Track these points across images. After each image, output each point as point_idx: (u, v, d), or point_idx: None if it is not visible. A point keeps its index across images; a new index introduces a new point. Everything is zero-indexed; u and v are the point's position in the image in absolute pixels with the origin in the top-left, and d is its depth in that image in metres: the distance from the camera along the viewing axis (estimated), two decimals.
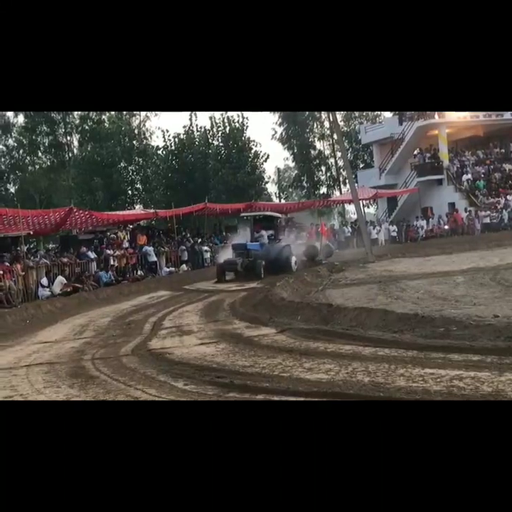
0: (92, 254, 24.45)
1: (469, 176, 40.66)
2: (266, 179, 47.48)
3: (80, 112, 47.68)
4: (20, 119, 47.57)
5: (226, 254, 26.30)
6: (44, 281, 20.60)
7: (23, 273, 20.03)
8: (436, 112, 40.70)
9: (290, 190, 56.30)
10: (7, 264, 19.86)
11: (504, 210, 37.75)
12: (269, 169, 50.93)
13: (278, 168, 55.26)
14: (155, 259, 26.55)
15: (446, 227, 37.87)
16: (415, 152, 42.46)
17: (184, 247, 29.06)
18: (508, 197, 38.88)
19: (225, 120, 43.09)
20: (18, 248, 21.55)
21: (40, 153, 48.76)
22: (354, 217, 39.97)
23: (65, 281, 21.17)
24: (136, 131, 47.25)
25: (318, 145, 53.84)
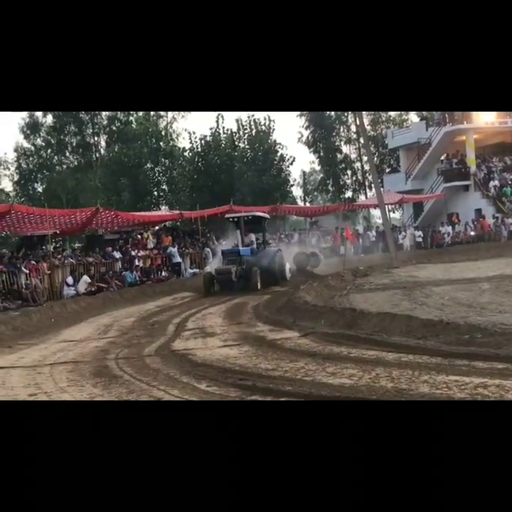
0: (117, 254, 24.57)
1: (496, 182, 40.39)
2: (291, 182, 47.52)
3: (108, 113, 47.99)
4: (49, 119, 47.97)
5: (214, 263, 23.99)
6: (69, 280, 20.74)
7: (49, 272, 20.19)
8: (464, 118, 40.49)
9: (315, 193, 56.31)
10: (33, 262, 20.02)
11: None
12: (295, 172, 51.16)
13: (303, 171, 55.27)
14: (179, 260, 26.61)
15: (472, 233, 37.62)
16: (442, 157, 42.26)
17: (208, 249, 29.04)
18: None
19: (252, 123, 43.14)
20: (45, 247, 21.73)
21: (67, 153, 49.10)
22: (379, 221, 39.87)
23: (90, 281, 21.30)
24: (163, 133, 47.38)
25: (345, 149, 53.81)
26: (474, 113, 40.52)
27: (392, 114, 53.63)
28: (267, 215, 25.70)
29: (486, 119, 40.88)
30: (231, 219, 24.27)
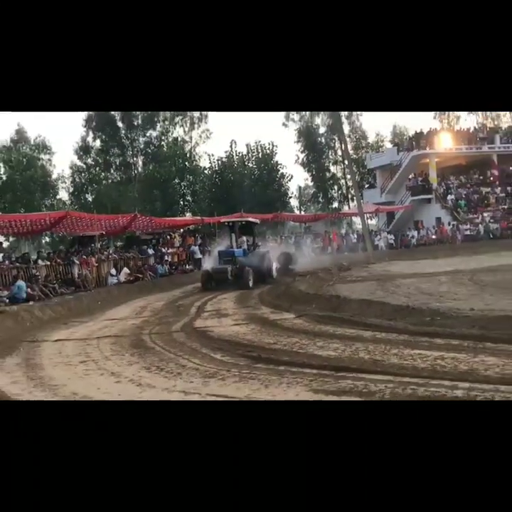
0: (150, 251, 24.60)
1: (453, 196, 40.28)
2: (289, 195, 47.57)
3: (145, 138, 47.94)
4: (97, 142, 47.96)
5: (210, 262, 21.09)
6: (112, 271, 20.76)
7: (97, 264, 20.23)
8: (427, 145, 40.40)
9: (308, 204, 56.02)
10: (84, 257, 20.08)
11: (480, 225, 37.55)
12: (292, 187, 50.98)
13: (299, 186, 54.95)
14: (200, 256, 26.51)
15: (433, 237, 37.54)
16: (410, 176, 42.11)
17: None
18: (484, 214, 38.57)
19: (258, 147, 43.12)
20: (93, 245, 21.76)
21: (112, 171, 49.06)
22: (359, 227, 39.71)
23: (129, 272, 21.32)
24: (187, 155, 47.38)
25: (332, 169, 53.54)
26: (436, 140, 40.46)
27: (370, 140, 53.51)
28: (257, 221, 23.85)
29: (445, 146, 40.77)
30: (227, 223, 22.17)
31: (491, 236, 36.66)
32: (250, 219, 22.35)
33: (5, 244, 21.81)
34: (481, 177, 42.19)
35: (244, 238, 20.83)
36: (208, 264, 20.84)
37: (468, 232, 37.15)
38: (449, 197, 40.15)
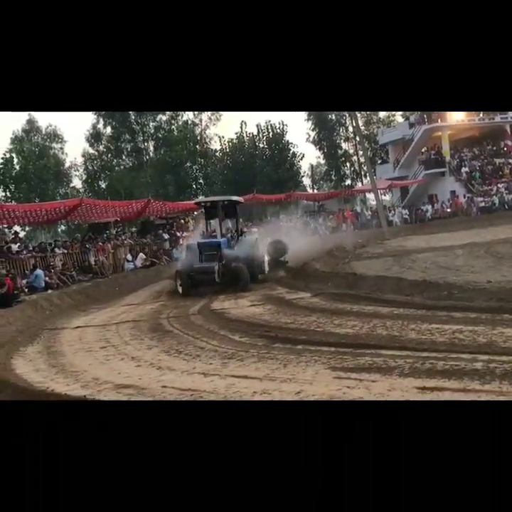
0: (166, 236, 24.65)
1: (467, 168, 39.89)
2: (302, 174, 47.33)
3: (155, 123, 47.84)
4: (108, 129, 47.97)
5: (186, 257, 15.22)
6: (129, 257, 20.85)
7: (113, 251, 20.33)
8: (439, 117, 39.94)
9: (321, 182, 55.72)
10: (100, 243, 20.18)
11: (495, 196, 37.19)
12: (304, 166, 50.64)
13: (311, 165, 54.56)
14: None
15: (448, 210, 37.27)
16: (422, 150, 41.74)
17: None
18: (498, 185, 38.17)
19: (269, 127, 42.87)
20: (108, 231, 21.85)
21: (124, 157, 49.10)
22: (373, 203, 39.49)
23: (145, 257, 21.40)
24: (198, 138, 47.25)
25: (344, 145, 53.14)
26: (448, 113, 39.97)
27: (382, 115, 52.96)
28: (241, 199, 17.90)
29: (457, 118, 40.32)
30: (203, 204, 16.71)
31: (507, 207, 36.31)
32: (234, 198, 17.00)
33: (22, 234, 21.95)
34: (495, 148, 41.73)
35: (229, 223, 16.76)
36: (183, 261, 15.33)
37: (483, 204, 36.84)
38: (463, 169, 39.78)
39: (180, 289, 14.14)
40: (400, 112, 51.65)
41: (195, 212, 29.76)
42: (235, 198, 17.12)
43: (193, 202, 20.14)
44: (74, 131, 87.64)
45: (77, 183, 48.07)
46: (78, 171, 48.09)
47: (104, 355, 7.95)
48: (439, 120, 40.02)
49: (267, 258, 15.81)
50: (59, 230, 42.26)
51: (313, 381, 5.47)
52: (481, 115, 40.93)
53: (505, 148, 41.35)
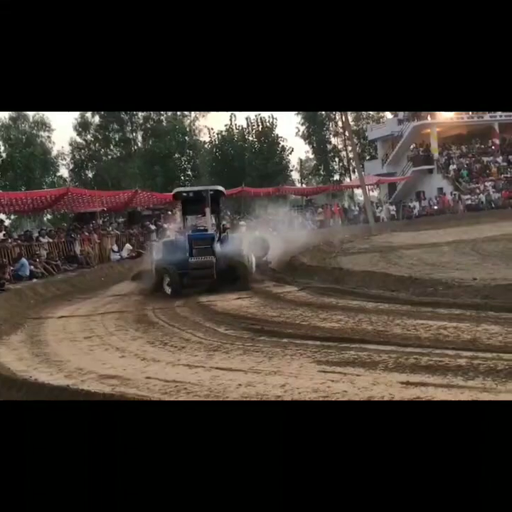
0: (152, 226, 24.55)
1: (455, 166, 40.11)
2: (290, 168, 47.31)
3: (143, 113, 47.59)
4: (97, 119, 47.66)
5: (164, 253, 13.23)
6: (115, 247, 20.76)
7: (99, 241, 20.22)
8: (428, 114, 40.09)
9: (310, 177, 55.77)
10: (86, 233, 20.07)
11: (482, 194, 37.45)
12: (293, 160, 50.47)
13: (300, 159, 54.62)
14: None
15: (435, 207, 37.48)
16: (411, 147, 41.88)
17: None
18: (486, 183, 38.43)
19: (258, 120, 42.80)
20: (95, 221, 21.73)
21: (111, 146, 48.88)
22: (361, 199, 39.58)
23: (131, 248, 21.32)
24: (187, 129, 47.08)
25: (333, 141, 53.26)
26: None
27: (371, 112, 53.05)
28: (224, 191, 15.36)
29: (446, 115, 40.50)
30: (186, 194, 14.26)
31: (493, 205, 36.60)
32: (219, 187, 14.71)
33: (7, 223, 21.77)
34: (483, 146, 41.98)
35: (213, 220, 14.24)
36: (161, 258, 13.05)
37: (470, 202, 37.08)
38: (451, 167, 39.99)
39: (167, 290, 12.29)
40: None
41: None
42: (220, 188, 14.73)
43: (172, 192, 15.36)
44: (62, 119, 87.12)
45: (63, 172, 47.83)
46: (65, 159, 47.86)
47: (89, 346, 7.92)
48: (429, 117, 40.17)
49: (253, 258, 13.55)
50: (45, 218, 41.99)
51: (298, 374, 5.48)
52: (470, 113, 41.13)
53: (493, 147, 41.60)
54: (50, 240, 18.31)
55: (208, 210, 13.33)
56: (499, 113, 41.30)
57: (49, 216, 41.46)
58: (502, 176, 39.49)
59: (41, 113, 46.56)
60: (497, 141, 41.50)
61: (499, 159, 40.71)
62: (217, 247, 12.90)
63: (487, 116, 41.15)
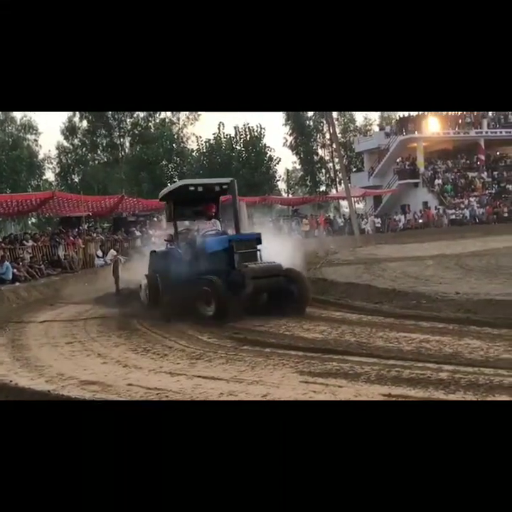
0: (138, 232, 24.49)
1: (440, 180, 40.44)
2: (277, 178, 47.41)
3: (132, 119, 47.53)
4: (84, 123, 47.54)
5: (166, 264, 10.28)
6: (99, 252, 20.68)
7: (84, 246, 20.14)
8: (415, 128, 40.47)
9: (296, 187, 55.95)
10: (71, 238, 19.97)
11: (466, 209, 37.79)
12: (280, 170, 50.63)
13: (287, 169, 54.77)
14: None
15: (420, 221, 37.74)
16: (397, 160, 42.19)
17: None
18: (470, 199, 38.78)
19: (247, 130, 42.91)
20: (80, 226, 21.63)
21: (99, 151, 48.71)
22: (347, 210, 39.75)
23: (115, 253, 21.20)
24: (175, 136, 47.08)
25: (320, 152, 53.53)
26: (423, 125, 40.53)
27: (359, 124, 53.49)
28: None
29: (433, 130, 40.89)
30: (194, 187, 10.37)
31: (477, 220, 36.93)
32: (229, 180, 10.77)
33: None
34: (468, 161, 42.38)
35: (218, 225, 11.02)
36: (179, 267, 9.86)
37: (454, 217, 37.38)
38: (436, 181, 40.31)
39: (207, 311, 9.07)
40: (377, 122, 52.21)
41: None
42: (224, 180, 11.13)
43: (176, 185, 11.38)
44: (49, 123, 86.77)
45: (50, 176, 47.62)
46: (52, 163, 47.64)
47: (70, 351, 7.86)
48: (416, 132, 40.53)
49: None
50: (29, 222, 41.72)
51: (280, 384, 5.48)
52: (457, 129, 41.58)
53: (478, 163, 42.02)
54: (34, 244, 18.19)
55: (234, 203, 10.23)
56: (485, 129, 41.80)
57: (34, 219, 41.25)
58: (486, 191, 39.89)
59: (28, 116, 46.38)
60: (482, 157, 41.93)
61: (484, 175, 41.12)
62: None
63: (473, 132, 41.61)
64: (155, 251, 11.20)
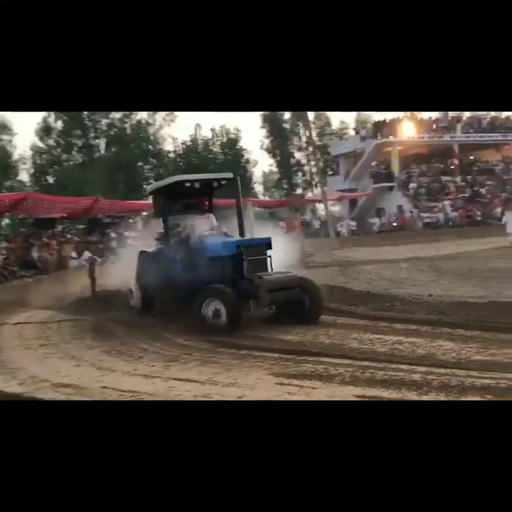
0: (113, 234, 24.32)
1: (414, 184, 40.77)
2: (254, 180, 47.54)
3: (107, 120, 47.21)
4: (59, 124, 47.06)
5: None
6: (73, 254, 20.49)
7: (58, 247, 19.92)
8: (390, 133, 40.81)
9: (273, 190, 56.12)
10: (45, 239, 19.76)
11: (440, 213, 38.19)
12: (257, 172, 50.77)
13: (264, 172, 54.94)
14: None
15: (394, 224, 38.04)
16: (373, 164, 42.50)
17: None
18: (444, 202, 39.19)
19: (223, 132, 42.92)
20: (54, 228, 21.42)
21: (74, 152, 48.32)
22: (323, 213, 39.94)
23: (90, 255, 21.04)
24: (151, 138, 46.87)
25: (297, 155, 53.77)
26: (398, 129, 40.85)
27: (335, 127, 53.81)
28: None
29: (408, 134, 41.23)
30: (190, 183, 9.65)
31: (451, 224, 37.30)
32: (229, 175, 10.56)
33: None
34: (442, 166, 42.81)
35: (213, 221, 10.33)
36: (178, 274, 9.05)
37: (428, 220, 37.70)
38: (411, 185, 40.64)
39: (221, 318, 8.23)
40: (353, 125, 52.57)
41: (144, 213, 29.46)
42: (224, 175, 10.67)
43: (171, 180, 10.03)
44: (24, 123, 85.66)
45: (24, 176, 47.06)
46: (26, 164, 47.09)
47: (44, 353, 7.78)
48: (391, 136, 40.86)
49: None
50: (2, 223, 41.17)
51: (255, 386, 5.49)
52: (431, 133, 42.00)
53: (452, 167, 42.50)
54: (7, 245, 17.96)
55: (237, 201, 9.85)
56: (458, 134, 42.31)
57: (7, 220, 40.71)
58: (460, 195, 40.35)
59: (2, 116, 45.80)
60: (456, 162, 42.40)
61: (458, 179, 41.59)
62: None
63: (447, 136, 42.07)
64: (145, 251, 10.17)
